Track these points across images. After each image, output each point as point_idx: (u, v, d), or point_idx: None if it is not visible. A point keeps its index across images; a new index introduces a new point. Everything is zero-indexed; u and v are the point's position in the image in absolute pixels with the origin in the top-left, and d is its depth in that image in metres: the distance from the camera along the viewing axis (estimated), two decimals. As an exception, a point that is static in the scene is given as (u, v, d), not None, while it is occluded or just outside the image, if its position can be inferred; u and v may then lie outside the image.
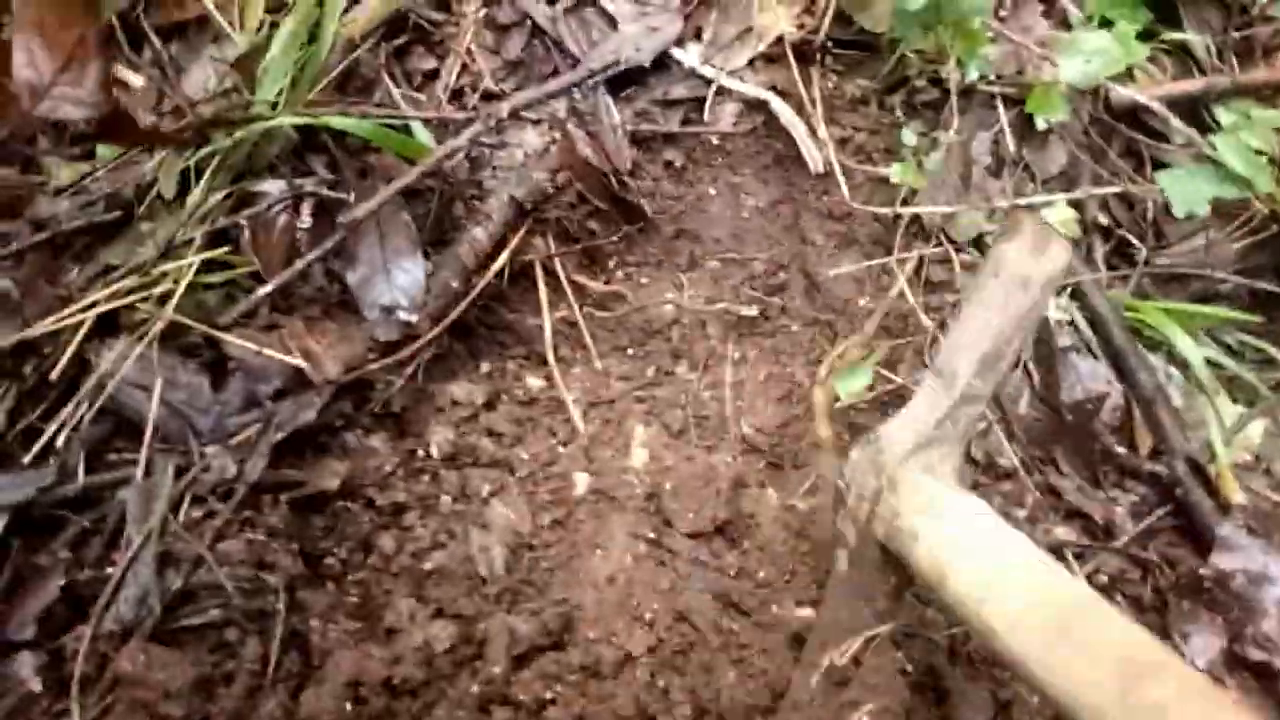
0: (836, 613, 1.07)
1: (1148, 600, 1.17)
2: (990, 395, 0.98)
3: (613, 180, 1.45)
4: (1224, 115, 1.41)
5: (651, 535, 1.32)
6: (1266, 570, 1.12)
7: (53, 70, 1.11)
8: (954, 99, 1.40)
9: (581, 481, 1.36)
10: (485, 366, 1.44)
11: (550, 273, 1.47)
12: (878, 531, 0.97)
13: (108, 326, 1.24)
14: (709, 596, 1.29)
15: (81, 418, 1.19)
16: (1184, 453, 1.21)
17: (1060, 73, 1.34)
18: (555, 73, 1.50)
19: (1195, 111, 1.43)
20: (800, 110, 1.46)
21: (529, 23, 1.53)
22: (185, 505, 1.15)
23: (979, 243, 1.38)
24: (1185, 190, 1.29)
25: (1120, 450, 1.24)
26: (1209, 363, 1.27)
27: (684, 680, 1.21)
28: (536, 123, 1.51)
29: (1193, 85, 1.42)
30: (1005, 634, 0.80)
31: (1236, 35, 1.49)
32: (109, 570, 1.12)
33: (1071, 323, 1.31)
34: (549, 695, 1.21)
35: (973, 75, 1.40)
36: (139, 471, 1.17)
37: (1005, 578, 0.83)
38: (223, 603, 1.11)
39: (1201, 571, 1.14)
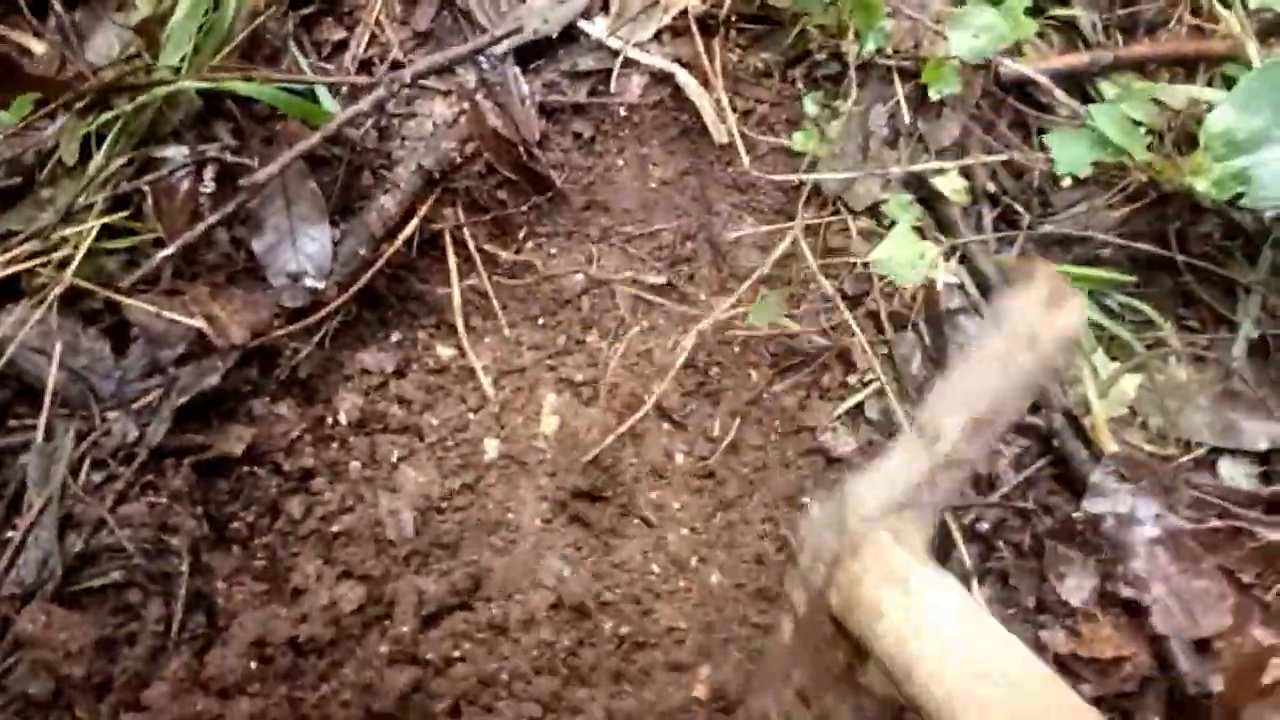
0: (772, 686, 0.98)
1: (1027, 546, 1.23)
2: (978, 461, 0.88)
3: (522, 151, 1.47)
4: (1107, 88, 1.48)
5: (560, 499, 1.35)
6: (1135, 513, 1.18)
7: None
8: (852, 72, 1.44)
9: (491, 447, 1.39)
10: (395, 335, 1.45)
11: (459, 242, 1.49)
12: (832, 601, 0.86)
13: (8, 292, 1.23)
14: (616, 560, 1.33)
15: (-21, 383, 1.18)
16: (1061, 406, 1.27)
17: (951, 47, 1.38)
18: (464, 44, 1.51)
19: (1081, 85, 1.50)
20: (705, 83, 1.49)
21: (439, -8, 1.54)
22: (86, 469, 1.15)
23: (875, 210, 1.43)
24: (1069, 152, 1.36)
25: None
26: (1090, 323, 1.34)
27: (590, 638, 1.25)
28: (446, 93, 1.52)
29: (1078, 59, 1.48)
30: None
31: (1122, 12, 1.56)
32: (9, 534, 1.12)
33: (961, 286, 1.37)
34: (457, 653, 1.24)
35: (870, 49, 1.45)
36: (39, 435, 1.16)
37: (989, 689, 0.74)
38: (124, 565, 1.11)
39: (1075, 515, 1.20)
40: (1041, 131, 1.47)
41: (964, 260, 1.38)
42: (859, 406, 1.38)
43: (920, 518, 0.86)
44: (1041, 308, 0.80)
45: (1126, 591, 1.17)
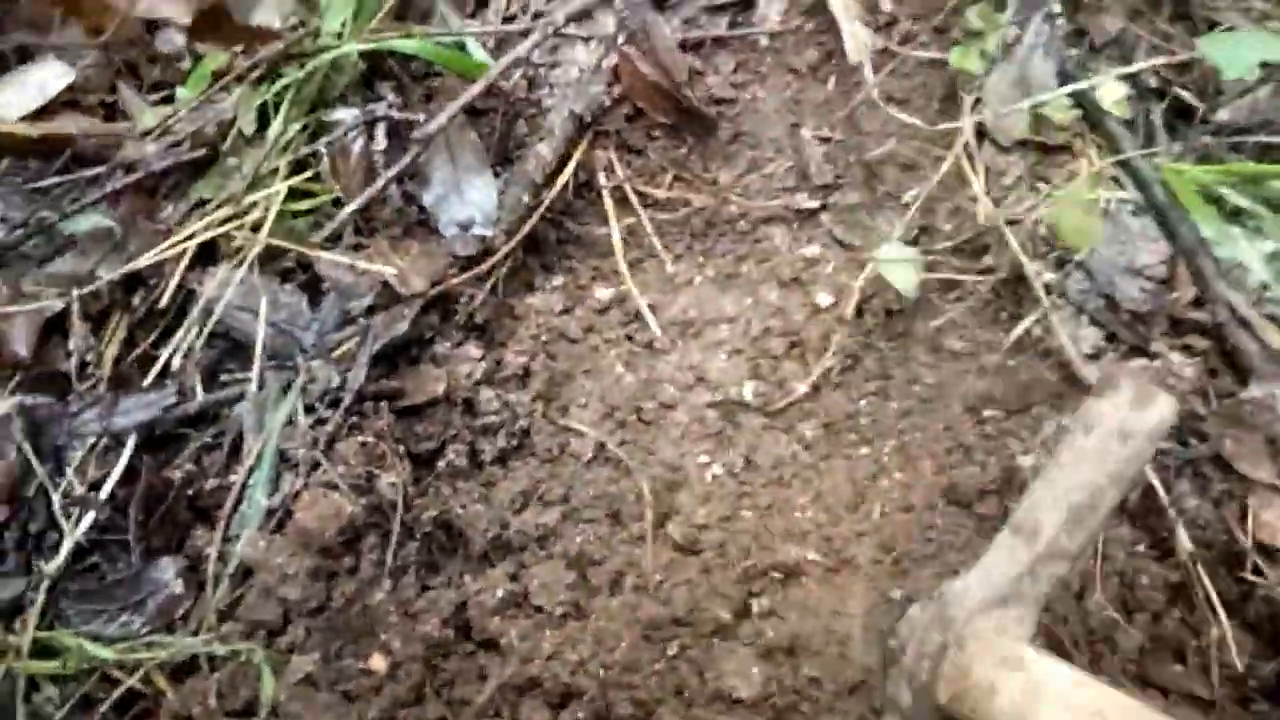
0: None
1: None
2: (1079, 554, 0.91)
3: (675, 94, 1.48)
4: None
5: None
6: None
7: None
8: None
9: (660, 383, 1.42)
10: (559, 278, 1.49)
11: (614, 184, 1.51)
12: (940, 694, 0.88)
13: (207, 256, 1.31)
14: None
15: (192, 342, 1.26)
16: (1224, 299, 1.24)
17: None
18: (604, -12, 1.53)
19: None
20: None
21: (575, -59, 1.56)
22: (298, 414, 1.22)
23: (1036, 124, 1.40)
24: (1231, 55, 1.30)
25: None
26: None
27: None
28: (587, 40, 1.54)
29: (1240, -59, 1.42)
30: None
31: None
32: (231, 478, 1.20)
33: (1132, 209, 1.34)
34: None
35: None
36: (252, 386, 1.23)
37: None
38: (340, 499, 1.17)
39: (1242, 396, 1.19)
40: (1209, 24, 1.41)
41: (1132, 174, 1.35)
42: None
43: (1022, 611, 0.89)
44: (1130, 407, 0.86)
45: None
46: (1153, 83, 1.39)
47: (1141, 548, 1.19)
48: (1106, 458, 0.86)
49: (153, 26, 1.45)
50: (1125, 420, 0.85)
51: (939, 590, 0.94)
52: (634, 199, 1.49)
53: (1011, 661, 0.84)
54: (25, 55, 1.44)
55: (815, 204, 1.51)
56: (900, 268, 1.36)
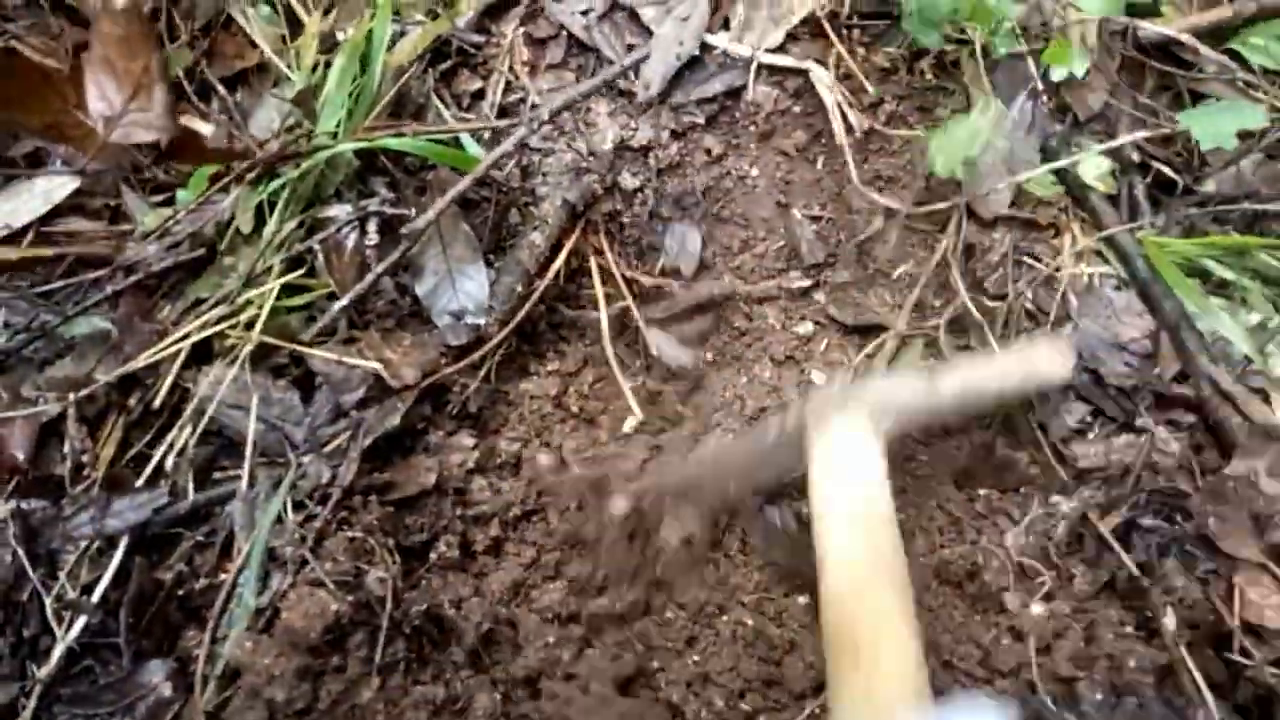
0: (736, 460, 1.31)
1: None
2: (947, 415, 1.21)
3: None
4: (1255, 39, 1.42)
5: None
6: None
7: (123, 100, 1.21)
8: (981, 64, 1.42)
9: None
10: (552, 364, 1.50)
11: (604, 269, 1.53)
12: (809, 426, 1.17)
13: (202, 355, 1.33)
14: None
15: (186, 441, 1.28)
16: (1207, 374, 1.22)
17: (1083, 8, 1.36)
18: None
19: (1226, 39, 1.44)
20: (835, 81, 1.50)
21: (565, 34, 1.59)
22: (287, 511, 1.23)
23: (1015, 202, 1.41)
24: (1210, 127, 1.30)
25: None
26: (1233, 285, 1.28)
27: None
28: (581, 129, 1.57)
29: (1220, 13, 1.42)
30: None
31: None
32: (222, 577, 1.21)
33: (1116, 282, 1.34)
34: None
35: (1000, 50, 1.42)
36: (243, 484, 1.25)
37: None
38: (326, 598, 1.17)
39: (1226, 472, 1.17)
40: (1192, 93, 1.42)
41: (1116, 249, 1.35)
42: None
43: (894, 424, 1.16)
44: (1043, 360, 1.14)
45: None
46: (1136, 157, 1.40)
47: (1129, 629, 1.17)
48: (1008, 376, 1.14)
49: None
50: (1034, 361, 1.13)
51: (863, 383, 1.21)
52: (624, 285, 1.51)
53: (836, 439, 1.13)
54: (35, 160, 1.49)
55: (807, 283, 1.52)
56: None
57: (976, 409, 1.27)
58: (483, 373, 1.42)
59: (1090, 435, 1.29)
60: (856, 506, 1.08)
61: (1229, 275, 1.27)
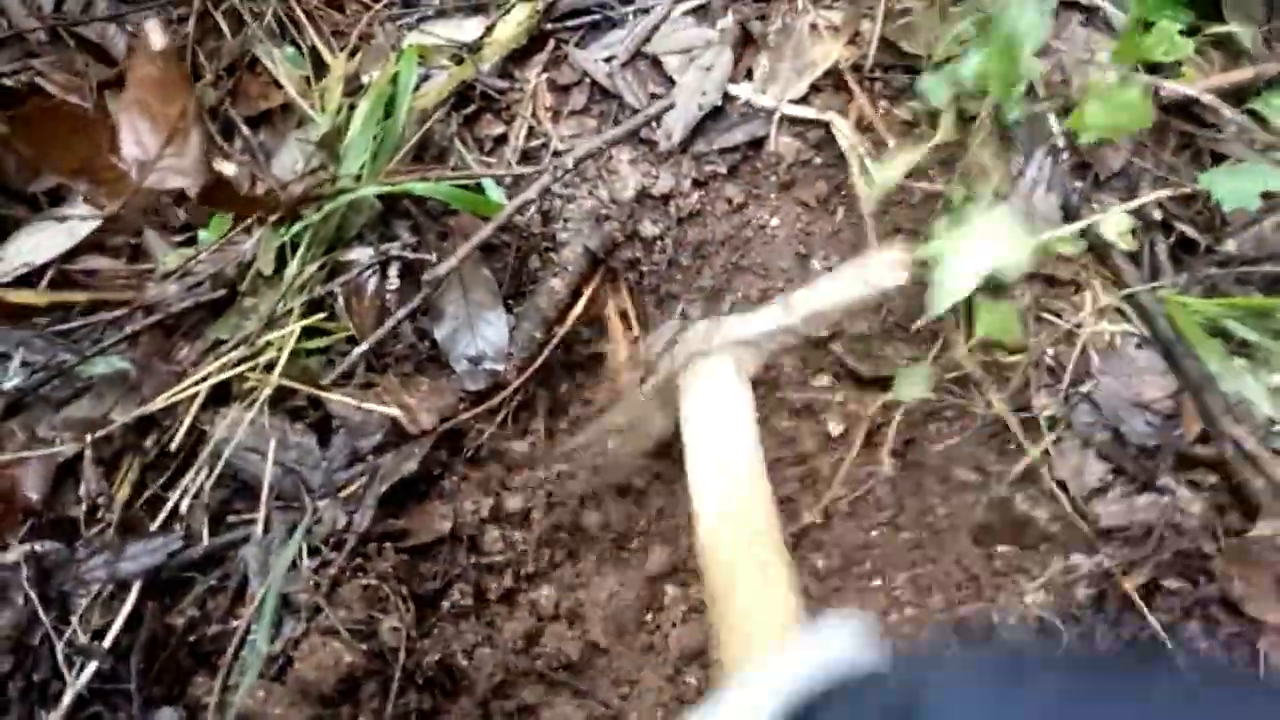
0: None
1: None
2: (805, 334, 1.24)
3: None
4: (1277, 101, 1.42)
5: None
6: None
7: (158, 145, 1.21)
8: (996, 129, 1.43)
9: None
10: (572, 410, 1.50)
11: (624, 315, 1.53)
12: (678, 374, 1.22)
13: (220, 397, 1.33)
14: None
15: (202, 484, 1.27)
16: (1230, 435, 1.22)
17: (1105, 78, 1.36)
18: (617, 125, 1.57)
19: (1246, 100, 1.44)
20: (856, 134, 1.51)
21: (588, 81, 1.60)
22: (302, 557, 1.22)
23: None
24: (1232, 188, 1.30)
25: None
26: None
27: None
28: (604, 175, 1.58)
29: (1242, 75, 1.43)
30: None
31: (1278, 23, 1.50)
32: (234, 623, 1.19)
33: (1138, 342, 1.34)
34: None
35: (1015, 113, 1.42)
36: (258, 529, 1.24)
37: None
38: (340, 646, 1.16)
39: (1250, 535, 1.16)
40: (1213, 154, 1.42)
41: (1138, 308, 1.34)
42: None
43: (758, 355, 1.22)
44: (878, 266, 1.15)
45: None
46: (1158, 215, 1.40)
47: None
48: (851, 288, 1.17)
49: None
50: (870, 269, 1.15)
51: (722, 319, 1.24)
52: (640, 331, 1.51)
53: (702, 383, 1.18)
54: (56, 197, 1.50)
55: (825, 333, 1.52)
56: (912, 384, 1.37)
57: (827, 323, 1.35)
58: (499, 418, 1.41)
59: (1111, 494, 1.28)
60: (724, 450, 1.11)
61: (1251, 336, 1.27)
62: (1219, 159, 1.44)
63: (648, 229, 1.54)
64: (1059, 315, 1.38)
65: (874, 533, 1.40)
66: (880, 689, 0.67)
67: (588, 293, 1.50)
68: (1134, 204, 1.36)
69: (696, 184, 1.56)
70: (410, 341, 1.43)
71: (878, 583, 1.36)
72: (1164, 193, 1.38)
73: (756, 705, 0.70)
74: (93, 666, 1.14)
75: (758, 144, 1.56)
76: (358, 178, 1.42)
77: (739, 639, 0.94)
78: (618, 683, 1.32)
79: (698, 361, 1.20)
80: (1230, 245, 1.37)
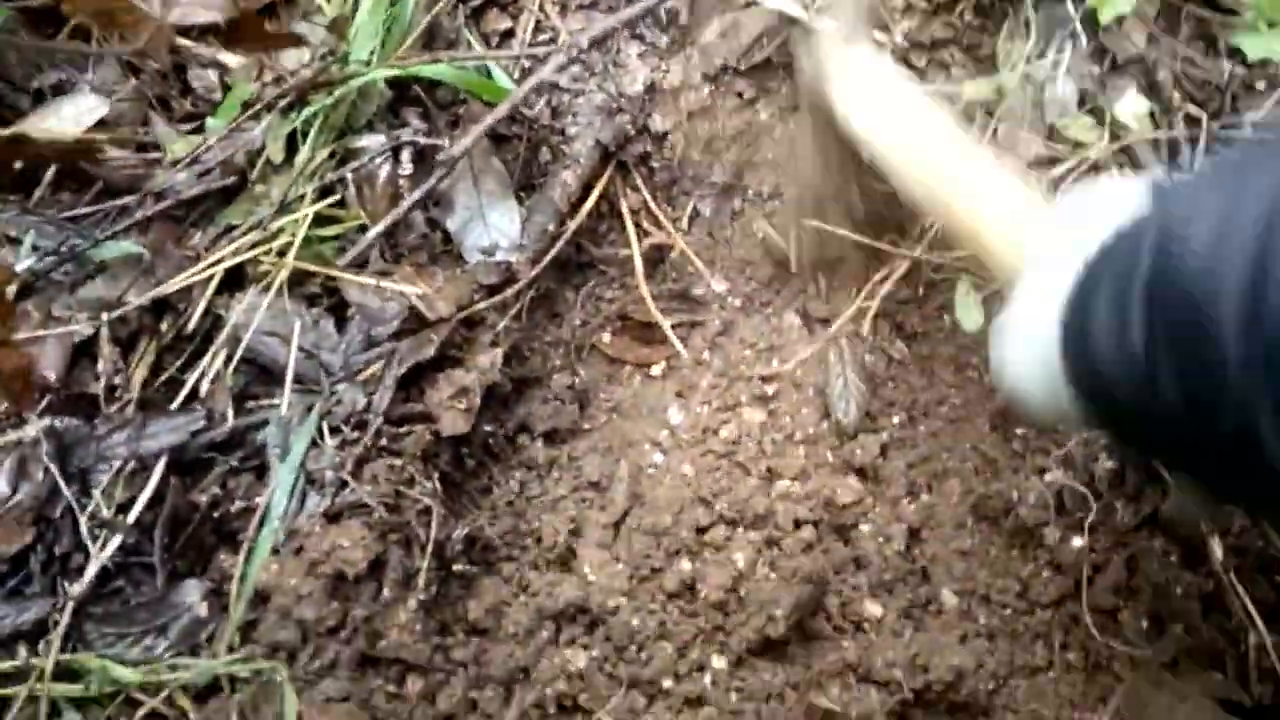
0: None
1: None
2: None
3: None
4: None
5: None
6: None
7: None
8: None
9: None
10: (585, 303, 1.49)
11: (635, 209, 1.52)
12: (834, 97, 1.18)
13: (234, 281, 1.31)
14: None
15: (220, 366, 1.26)
16: None
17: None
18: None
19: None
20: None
21: (596, -27, 1.58)
22: (324, 437, 1.21)
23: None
24: (1260, 42, 1.30)
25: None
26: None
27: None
28: (612, 67, 1.55)
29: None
30: None
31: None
32: (257, 500, 1.19)
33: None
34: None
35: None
36: (283, 408, 1.23)
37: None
38: (367, 519, 1.16)
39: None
40: (1230, 46, 1.42)
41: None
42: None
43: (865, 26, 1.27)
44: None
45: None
46: (1177, 98, 1.39)
47: (1174, 558, 1.16)
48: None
49: (181, 70, 1.47)
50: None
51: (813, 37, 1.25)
52: (668, 224, 1.50)
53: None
54: (60, 92, 1.47)
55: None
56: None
57: None
58: (514, 310, 1.40)
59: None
60: (900, 119, 1.10)
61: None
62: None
63: (657, 123, 1.52)
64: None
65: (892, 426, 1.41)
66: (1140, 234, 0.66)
67: (600, 186, 1.48)
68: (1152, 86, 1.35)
69: (707, 78, 1.54)
70: (422, 232, 1.41)
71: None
72: (1181, 72, 1.37)
73: (1053, 280, 0.72)
74: (116, 540, 1.14)
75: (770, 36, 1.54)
76: (367, 62, 1.40)
77: (1008, 244, 0.93)
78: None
79: (840, 55, 1.18)
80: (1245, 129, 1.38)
